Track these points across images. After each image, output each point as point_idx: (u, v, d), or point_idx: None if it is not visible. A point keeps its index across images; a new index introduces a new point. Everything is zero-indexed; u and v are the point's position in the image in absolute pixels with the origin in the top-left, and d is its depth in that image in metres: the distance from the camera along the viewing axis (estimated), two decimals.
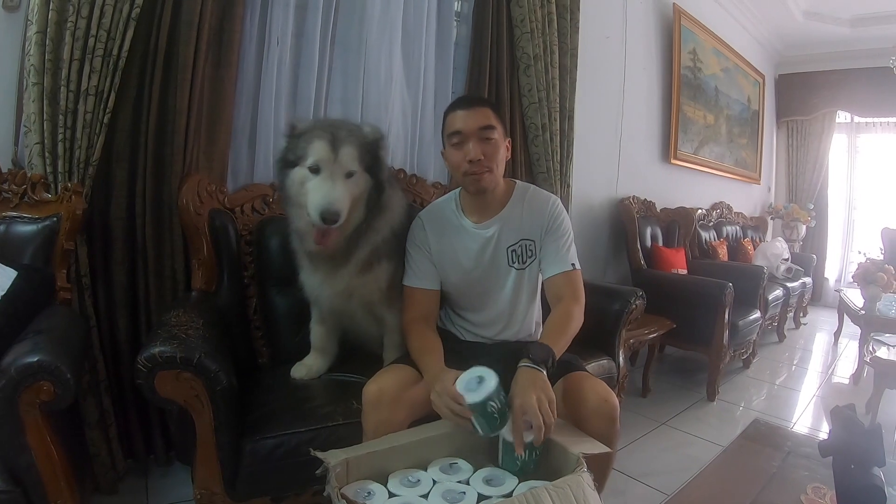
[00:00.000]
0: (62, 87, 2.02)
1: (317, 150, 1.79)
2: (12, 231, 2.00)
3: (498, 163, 1.98)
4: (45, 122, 2.00)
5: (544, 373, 1.62)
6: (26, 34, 2.03)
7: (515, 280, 2.08)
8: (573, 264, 2.02)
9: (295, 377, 2.17)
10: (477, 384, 1.49)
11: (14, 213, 2.02)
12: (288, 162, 1.86)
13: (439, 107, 3.20)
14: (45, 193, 2.04)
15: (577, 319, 1.95)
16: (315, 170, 1.79)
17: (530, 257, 2.06)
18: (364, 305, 2.15)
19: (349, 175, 1.83)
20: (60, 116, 2.02)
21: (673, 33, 5.36)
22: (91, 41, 2.04)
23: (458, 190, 2.16)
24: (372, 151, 1.92)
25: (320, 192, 1.77)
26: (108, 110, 2.12)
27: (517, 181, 2.17)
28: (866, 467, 1.24)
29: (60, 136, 2.03)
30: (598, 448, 1.48)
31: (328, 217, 1.74)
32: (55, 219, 2.00)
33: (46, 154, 2.03)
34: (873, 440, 1.25)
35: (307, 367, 2.19)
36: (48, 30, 1.97)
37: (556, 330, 1.89)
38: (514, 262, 2.06)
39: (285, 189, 1.90)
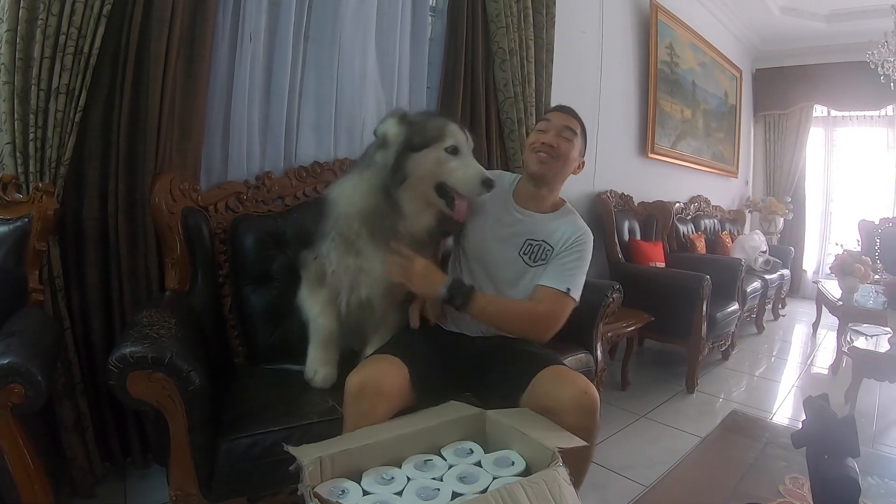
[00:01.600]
0: (33, 86, 1.99)
1: (454, 132, 1.96)
2: None
3: (567, 160, 2.16)
4: (15, 122, 1.98)
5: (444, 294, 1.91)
6: None
7: (521, 273, 2.13)
8: (569, 289, 2.05)
9: (317, 386, 2.07)
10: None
11: None
12: (413, 146, 1.93)
13: (414, 102, 3.21)
14: (16, 194, 2.02)
15: (534, 324, 2.05)
16: (454, 151, 1.95)
17: (542, 260, 2.11)
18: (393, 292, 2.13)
19: None
20: (31, 116, 2.00)
21: (650, 28, 5.38)
22: (62, 39, 2.01)
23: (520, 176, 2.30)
24: None
25: (473, 166, 1.97)
26: (79, 109, 2.10)
27: (567, 204, 2.27)
28: (840, 458, 1.24)
29: (31, 136, 2.01)
30: (574, 441, 1.47)
31: (490, 184, 1.94)
32: (27, 219, 1.98)
33: (17, 154, 2.01)
34: (847, 430, 1.26)
35: (325, 369, 2.09)
36: (18, 27, 1.94)
37: (508, 302, 2.08)
38: (524, 254, 2.12)
39: (405, 170, 1.92)
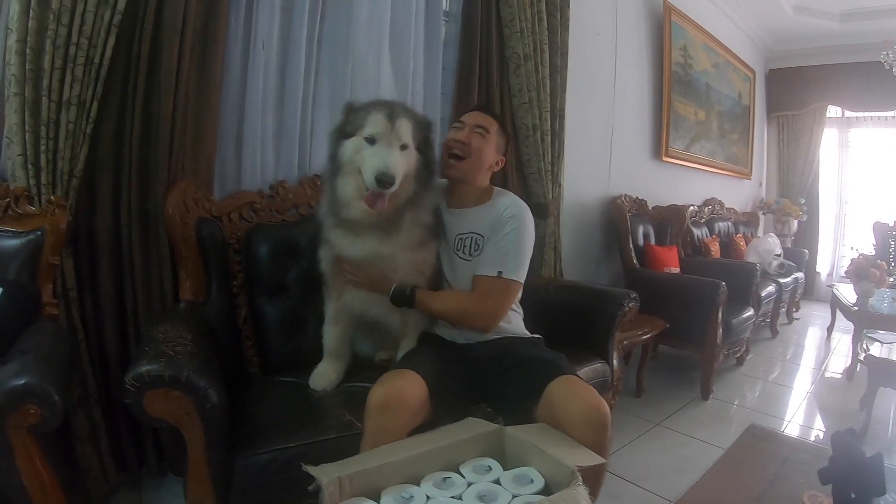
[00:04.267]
0: (44, 97, 1.98)
1: (374, 121, 1.91)
2: None
3: (480, 156, 2.17)
4: (27, 134, 1.96)
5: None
6: (6, 43, 1.99)
7: (462, 269, 2.17)
8: (500, 272, 2.06)
9: (315, 389, 2.13)
10: None
11: None
12: (344, 133, 1.97)
13: (428, 108, 3.18)
14: (28, 206, 2.00)
15: (472, 315, 2.10)
16: (371, 140, 1.90)
17: (476, 252, 2.14)
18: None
19: (403, 147, 1.93)
20: (42, 127, 1.99)
21: (663, 30, 5.35)
22: (72, 49, 2.00)
23: None
24: (424, 132, 2.06)
25: (377, 157, 1.87)
26: (90, 120, 2.09)
27: (496, 188, 2.28)
28: (867, 497, 1.22)
29: (43, 148, 1.99)
30: (592, 459, 1.46)
31: (384, 179, 1.82)
32: (39, 233, 1.96)
33: (29, 166, 1.99)
34: (874, 469, 1.24)
35: (327, 378, 2.16)
36: (28, 38, 1.93)
37: (445, 298, 2.15)
38: (458, 250, 2.17)
39: (337, 158, 1.97)
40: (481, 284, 2.08)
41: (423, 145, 2.04)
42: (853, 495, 1.24)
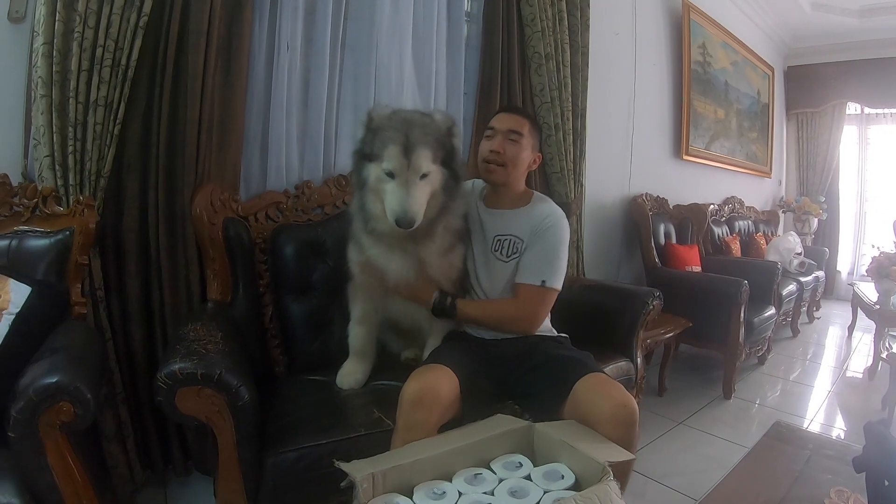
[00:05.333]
0: (71, 99, 2.00)
1: (391, 156, 1.83)
2: (25, 245, 1.97)
3: (515, 163, 2.17)
4: (54, 135, 1.98)
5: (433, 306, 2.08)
6: (33, 45, 2.01)
7: (499, 270, 2.17)
8: (543, 281, 2.09)
9: (343, 388, 2.14)
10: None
11: (26, 227, 2.00)
12: (365, 154, 1.93)
13: (451, 108, 3.18)
14: (56, 207, 2.02)
15: (513, 322, 2.14)
16: (390, 174, 1.84)
17: (514, 254, 2.15)
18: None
19: (424, 176, 1.87)
20: (70, 128, 2.01)
21: (682, 28, 5.32)
22: (99, 51, 2.02)
23: None
24: (445, 144, 1.97)
25: (396, 198, 1.83)
26: (118, 121, 2.10)
27: (536, 193, 2.28)
28: None
29: (70, 149, 2.02)
30: (622, 455, 1.46)
31: (403, 224, 1.81)
32: (68, 233, 1.98)
33: (57, 167, 2.01)
34: None
35: (354, 377, 2.17)
36: (55, 41, 1.95)
37: (487, 306, 2.17)
38: (496, 250, 2.17)
39: (361, 176, 1.95)
40: (525, 292, 2.11)
41: (447, 158, 1.96)
42: (886, 483, 1.23)
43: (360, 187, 1.97)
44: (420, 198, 1.86)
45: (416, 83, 3.05)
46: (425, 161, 1.86)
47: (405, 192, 1.83)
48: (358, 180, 1.98)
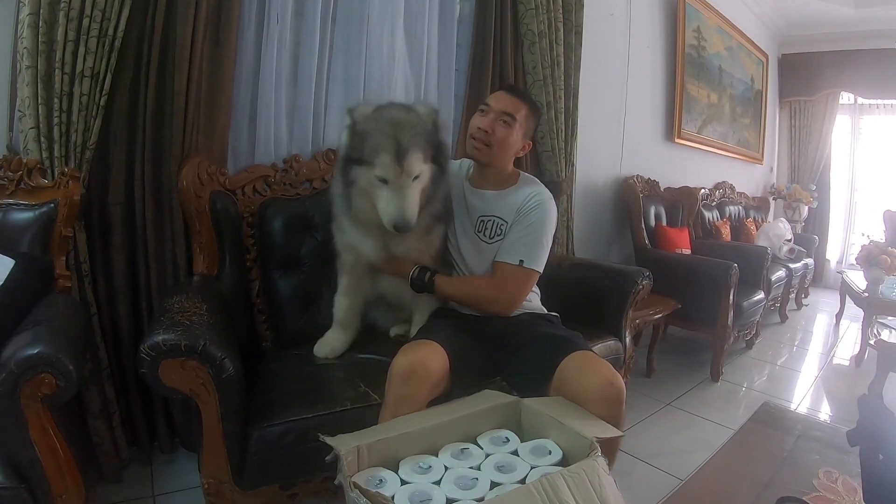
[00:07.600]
0: (56, 70, 1.96)
1: (384, 164, 1.82)
2: (9, 218, 1.95)
3: (502, 146, 2.15)
4: (39, 106, 1.95)
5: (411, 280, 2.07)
6: (18, 16, 1.97)
7: (481, 251, 2.18)
8: (521, 260, 2.08)
9: (318, 356, 2.15)
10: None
11: (10, 200, 1.98)
12: (353, 160, 1.89)
13: (442, 85, 3.18)
14: (41, 179, 2.00)
15: (490, 301, 2.12)
16: (383, 180, 1.83)
17: (498, 236, 2.16)
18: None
19: (416, 178, 1.87)
20: (55, 100, 1.97)
21: (678, 11, 5.30)
22: (85, 21, 1.98)
23: None
24: (433, 140, 1.95)
25: (392, 204, 1.83)
26: (104, 92, 2.07)
27: (523, 174, 2.29)
28: (895, 457, 1.21)
29: (56, 120, 1.98)
30: (610, 431, 1.46)
31: (402, 229, 1.84)
32: (52, 205, 1.96)
33: (42, 139, 1.98)
34: None
35: (331, 345, 2.18)
36: (41, 11, 1.91)
37: (464, 283, 2.18)
38: (479, 232, 2.18)
39: (350, 178, 1.92)
40: (502, 271, 2.10)
41: (436, 154, 1.96)
42: (881, 456, 1.22)
43: (348, 186, 1.95)
44: (415, 200, 1.87)
45: (407, 58, 3.02)
46: (417, 164, 1.86)
47: (401, 198, 1.84)
48: (345, 180, 1.95)
